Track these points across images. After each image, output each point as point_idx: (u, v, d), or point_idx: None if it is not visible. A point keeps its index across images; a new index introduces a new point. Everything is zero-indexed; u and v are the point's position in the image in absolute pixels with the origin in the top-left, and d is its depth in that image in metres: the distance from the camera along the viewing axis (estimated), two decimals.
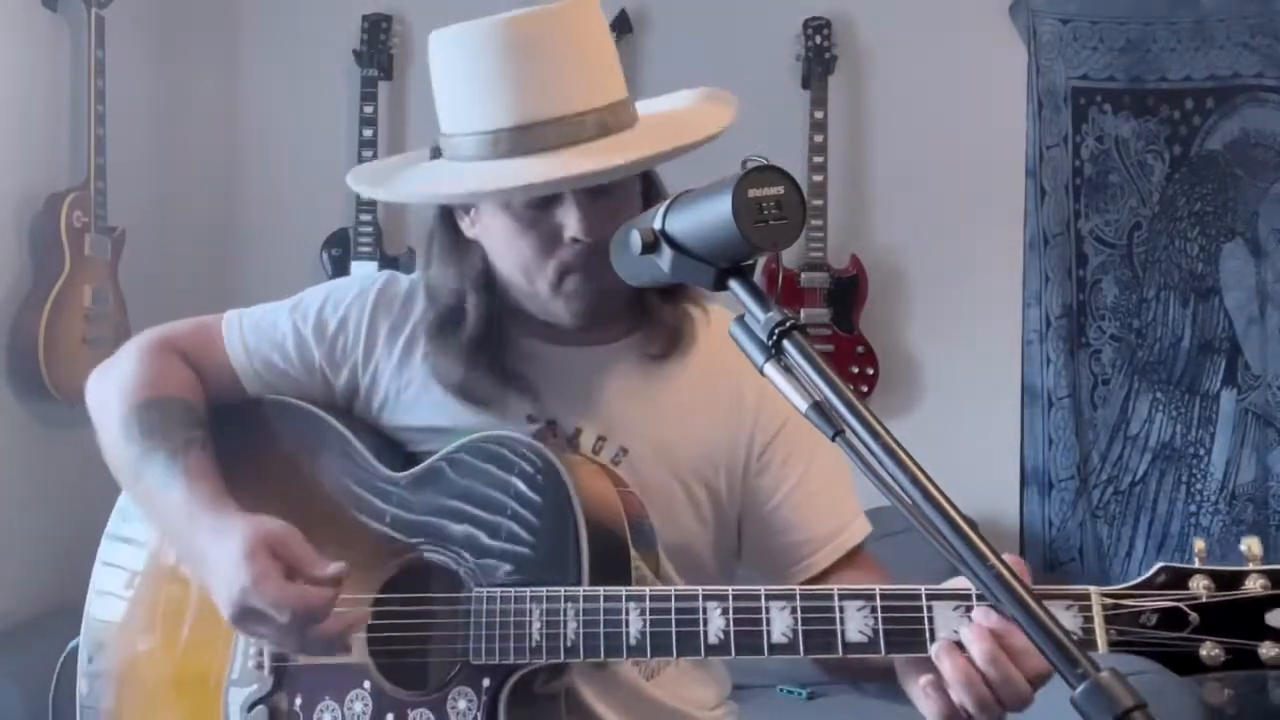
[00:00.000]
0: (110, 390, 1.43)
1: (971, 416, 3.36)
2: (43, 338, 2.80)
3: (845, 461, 1.43)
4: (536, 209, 1.30)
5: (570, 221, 1.28)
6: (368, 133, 3.35)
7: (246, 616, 1.24)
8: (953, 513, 0.86)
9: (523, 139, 1.26)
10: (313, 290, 1.50)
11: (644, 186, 1.37)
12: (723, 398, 1.40)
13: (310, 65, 3.48)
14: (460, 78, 1.32)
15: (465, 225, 1.39)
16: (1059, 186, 3.43)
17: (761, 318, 0.96)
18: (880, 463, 0.89)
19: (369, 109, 3.35)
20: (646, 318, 1.40)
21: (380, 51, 3.39)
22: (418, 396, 1.41)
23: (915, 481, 0.87)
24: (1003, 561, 0.84)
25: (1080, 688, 0.78)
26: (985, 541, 0.85)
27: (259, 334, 1.46)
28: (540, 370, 1.40)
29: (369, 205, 3.33)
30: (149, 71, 3.34)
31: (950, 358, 3.42)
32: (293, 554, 1.25)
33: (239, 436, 1.43)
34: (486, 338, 1.38)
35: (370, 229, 3.33)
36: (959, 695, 1.07)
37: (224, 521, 1.28)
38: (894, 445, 0.89)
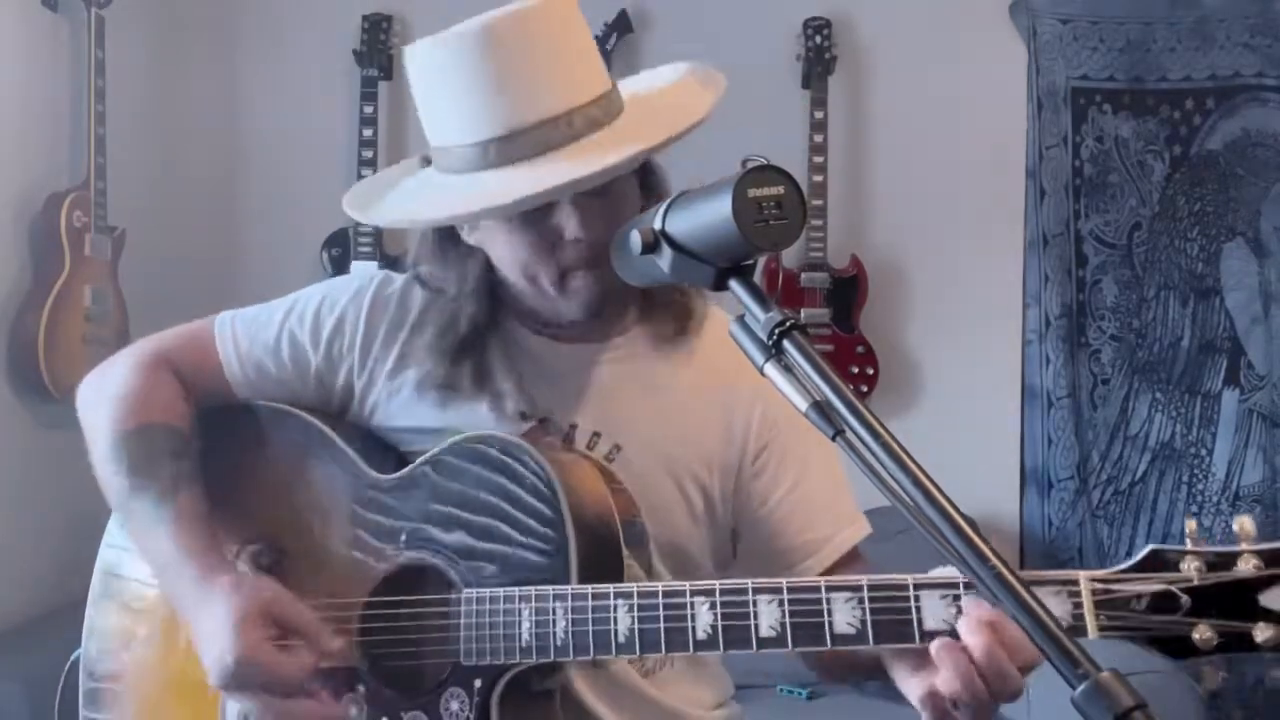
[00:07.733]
0: (101, 404, 1.42)
1: (971, 416, 3.36)
2: (43, 338, 2.80)
3: (842, 463, 1.43)
4: (534, 213, 1.28)
5: (568, 223, 1.27)
6: (368, 133, 3.35)
7: (235, 687, 1.24)
8: (953, 513, 0.86)
9: (508, 148, 1.24)
10: (309, 291, 1.48)
11: (641, 175, 1.36)
12: (719, 398, 1.40)
13: (310, 65, 3.48)
14: (440, 91, 1.29)
15: (464, 233, 1.37)
16: (1059, 186, 3.43)
17: (762, 317, 0.96)
18: (880, 463, 0.88)
19: (369, 109, 3.35)
20: (652, 307, 1.40)
21: (380, 51, 3.39)
22: (411, 399, 1.40)
23: (915, 481, 0.87)
24: (1004, 562, 0.84)
25: (1081, 688, 0.78)
26: (986, 542, 0.85)
27: (251, 338, 1.44)
28: (535, 366, 1.39)
29: None
30: (149, 71, 3.34)
31: (950, 358, 3.41)
32: (288, 621, 1.25)
33: (228, 443, 1.42)
34: (475, 343, 1.37)
35: (370, 229, 3.32)
36: (955, 689, 1.06)
37: (212, 580, 1.28)
38: (894, 445, 0.88)
